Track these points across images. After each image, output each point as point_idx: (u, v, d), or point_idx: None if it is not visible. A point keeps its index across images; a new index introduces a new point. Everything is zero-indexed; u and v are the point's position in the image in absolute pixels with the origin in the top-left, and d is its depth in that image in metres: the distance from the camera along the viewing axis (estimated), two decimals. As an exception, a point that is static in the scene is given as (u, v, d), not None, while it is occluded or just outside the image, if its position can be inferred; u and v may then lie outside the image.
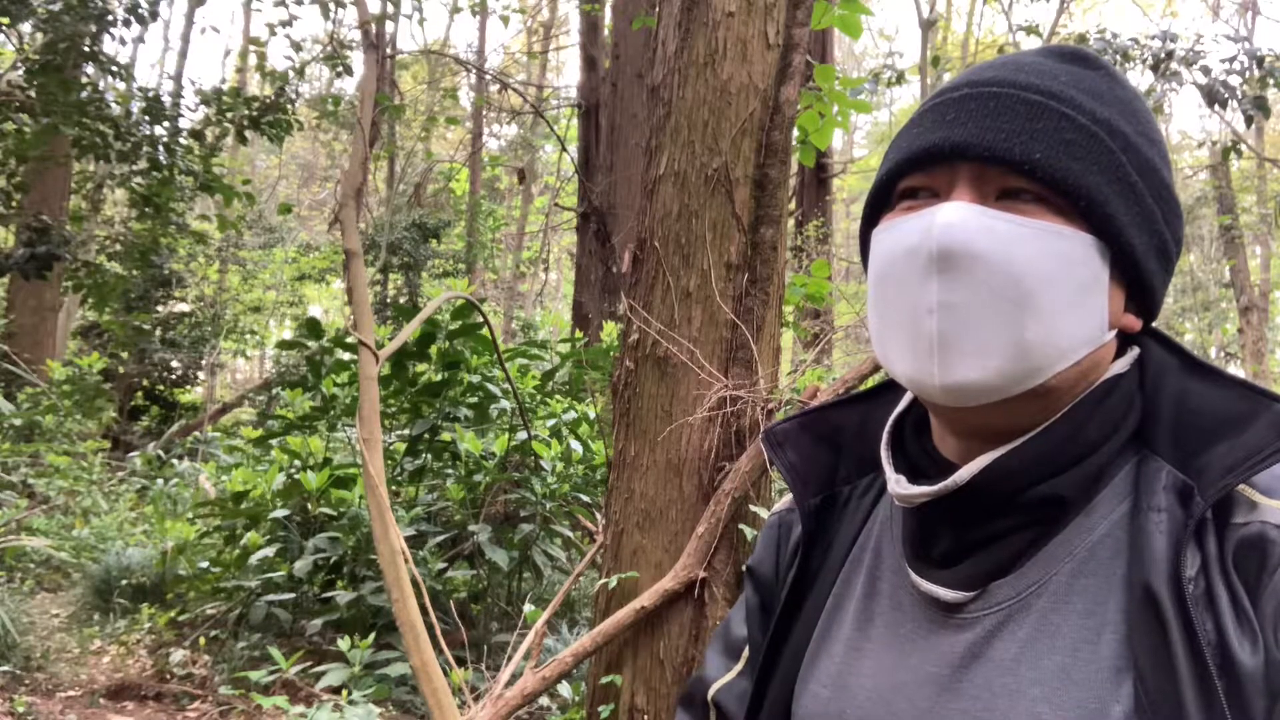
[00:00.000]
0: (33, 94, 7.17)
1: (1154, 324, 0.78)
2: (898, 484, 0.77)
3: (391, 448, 5.93)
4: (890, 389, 0.88)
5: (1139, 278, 0.73)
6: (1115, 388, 0.74)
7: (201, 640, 5.25)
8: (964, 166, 0.71)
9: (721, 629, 0.98)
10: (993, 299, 0.67)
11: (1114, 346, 0.75)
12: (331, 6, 7.62)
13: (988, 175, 0.70)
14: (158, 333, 13.48)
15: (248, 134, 8.12)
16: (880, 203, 0.78)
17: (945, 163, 0.71)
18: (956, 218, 0.68)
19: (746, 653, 0.93)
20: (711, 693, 0.94)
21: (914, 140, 0.74)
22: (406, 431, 6.00)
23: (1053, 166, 0.68)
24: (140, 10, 7.52)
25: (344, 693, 3.85)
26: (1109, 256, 0.71)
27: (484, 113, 17.72)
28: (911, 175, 0.74)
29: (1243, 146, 9.75)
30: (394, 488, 5.86)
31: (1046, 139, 0.69)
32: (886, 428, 0.83)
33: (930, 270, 0.68)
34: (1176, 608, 0.63)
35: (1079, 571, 0.69)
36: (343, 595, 5.10)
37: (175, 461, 10.70)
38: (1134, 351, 0.77)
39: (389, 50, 10.89)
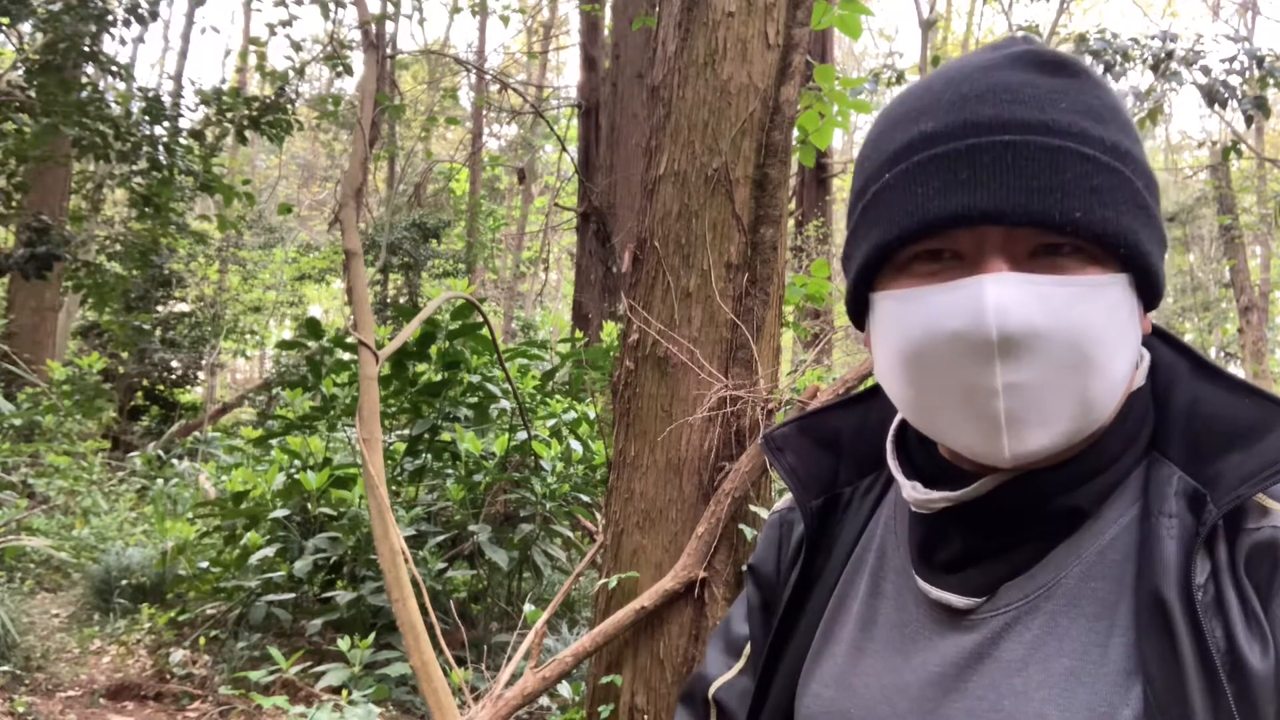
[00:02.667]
0: (33, 94, 7.17)
1: (1155, 323, 0.78)
2: (914, 489, 0.77)
3: (391, 448, 5.92)
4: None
5: (1152, 284, 0.72)
6: (1136, 401, 0.74)
7: (201, 640, 5.25)
8: (993, 230, 0.66)
9: (722, 627, 0.98)
10: (1059, 370, 0.65)
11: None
12: (331, 6, 7.62)
13: (1018, 235, 0.66)
14: (158, 333, 13.49)
15: (248, 134, 8.12)
16: (880, 262, 0.72)
17: (970, 225, 0.66)
18: (1010, 298, 0.64)
19: (747, 651, 0.93)
20: (712, 690, 0.94)
21: (925, 204, 0.67)
22: (406, 431, 6.00)
23: (1092, 222, 0.66)
24: (140, 10, 7.52)
25: (344, 693, 3.85)
26: (1134, 282, 0.70)
27: (484, 113, 17.71)
28: (926, 240, 0.69)
29: (1243, 146, 9.75)
30: (394, 488, 5.86)
31: (1077, 190, 0.65)
32: (890, 433, 0.83)
33: (990, 355, 0.65)
34: (1186, 615, 0.63)
35: (1088, 575, 0.69)
36: (343, 595, 5.10)
37: (175, 461, 10.70)
38: (1145, 358, 0.77)
39: (389, 50, 10.89)
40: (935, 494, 0.74)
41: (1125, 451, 0.72)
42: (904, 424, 0.83)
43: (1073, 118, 0.67)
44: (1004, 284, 0.65)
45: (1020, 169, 0.65)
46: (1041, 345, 0.64)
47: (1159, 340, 0.78)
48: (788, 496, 0.94)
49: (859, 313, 0.78)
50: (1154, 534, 0.67)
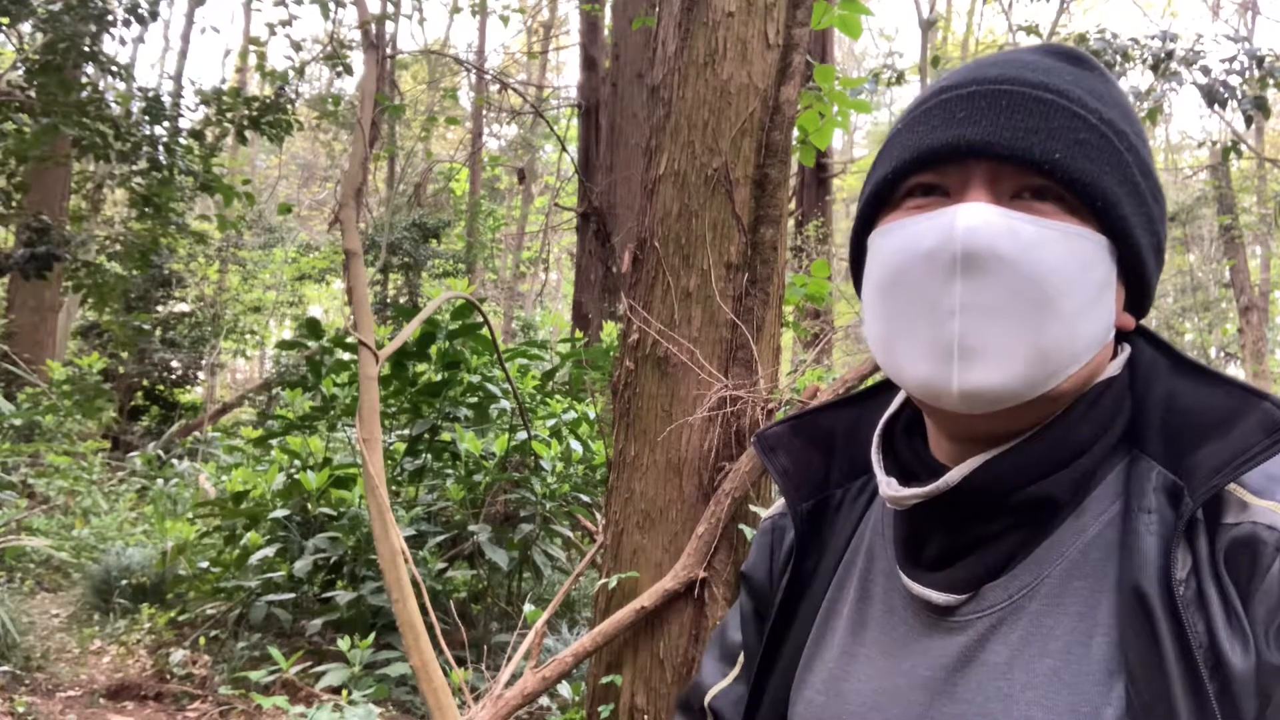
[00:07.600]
0: (33, 94, 7.17)
1: (1150, 324, 0.78)
2: (889, 486, 0.77)
3: (391, 448, 5.92)
4: (882, 391, 0.88)
5: (1140, 276, 0.73)
6: (1107, 389, 0.73)
7: (201, 640, 5.25)
8: (978, 165, 0.69)
9: (717, 634, 0.98)
10: (1016, 301, 0.66)
11: (1111, 346, 0.75)
12: (331, 6, 7.61)
13: (1003, 174, 0.69)
14: (158, 333, 13.50)
15: (248, 134, 8.13)
16: (880, 203, 0.75)
17: (959, 161, 0.69)
18: (980, 219, 0.66)
19: (742, 658, 0.93)
20: (708, 699, 0.94)
21: (923, 138, 0.71)
22: (406, 431, 6.00)
23: (1071, 166, 0.68)
24: (140, 10, 7.52)
25: (344, 693, 3.85)
26: (1116, 256, 0.71)
27: (484, 113, 17.71)
28: (920, 174, 0.72)
29: (1243, 146, 9.75)
30: (394, 488, 5.85)
31: (1063, 138, 0.68)
32: (877, 430, 0.83)
33: (953, 272, 0.66)
34: (1167, 610, 0.63)
35: (1071, 573, 0.69)
36: (343, 595, 5.10)
37: (175, 461, 10.70)
38: (1125, 351, 0.77)
39: (389, 50, 10.89)
40: (906, 490, 0.74)
41: (1096, 440, 0.72)
42: (892, 420, 0.83)
43: (1072, 88, 0.71)
44: (979, 210, 0.67)
45: (1012, 111, 0.69)
46: (1004, 270, 0.66)
47: (1141, 339, 0.78)
48: (780, 502, 0.94)
49: (858, 264, 0.79)
50: (1134, 530, 0.67)
